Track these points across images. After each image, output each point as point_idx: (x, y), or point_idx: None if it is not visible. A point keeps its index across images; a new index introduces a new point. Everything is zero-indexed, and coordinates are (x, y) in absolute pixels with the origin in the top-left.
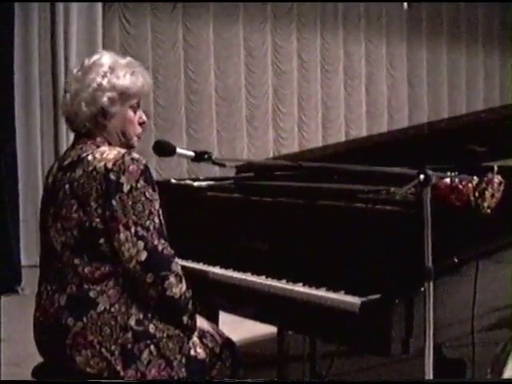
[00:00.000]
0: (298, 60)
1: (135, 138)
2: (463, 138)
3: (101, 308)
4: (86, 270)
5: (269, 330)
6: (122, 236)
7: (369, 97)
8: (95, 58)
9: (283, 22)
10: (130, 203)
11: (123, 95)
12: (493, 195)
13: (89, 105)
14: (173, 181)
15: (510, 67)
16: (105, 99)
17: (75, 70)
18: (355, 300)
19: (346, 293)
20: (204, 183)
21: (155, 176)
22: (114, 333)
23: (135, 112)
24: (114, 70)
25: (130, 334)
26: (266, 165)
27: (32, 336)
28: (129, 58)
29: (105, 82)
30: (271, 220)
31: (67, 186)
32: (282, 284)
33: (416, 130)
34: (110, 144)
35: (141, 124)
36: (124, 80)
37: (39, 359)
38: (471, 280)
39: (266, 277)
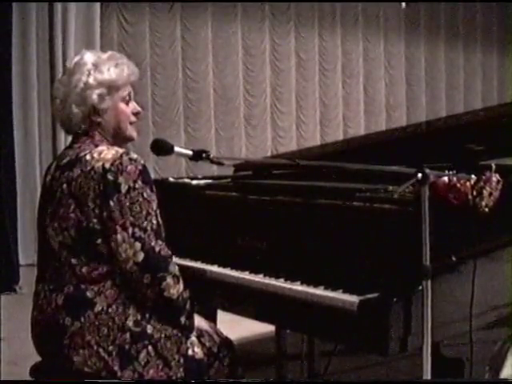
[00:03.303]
0: (296, 58)
1: (130, 128)
2: (461, 136)
3: (98, 308)
4: (83, 270)
5: (267, 328)
6: (119, 237)
7: (367, 95)
8: (77, 58)
9: (281, 20)
10: (127, 204)
11: (111, 89)
12: (491, 194)
13: (79, 106)
14: (171, 179)
15: (508, 66)
16: (94, 97)
17: (60, 75)
18: (353, 299)
19: (344, 291)
20: (202, 182)
21: (153, 175)
22: (112, 333)
23: (127, 104)
24: (98, 66)
25: (127, 335)
26: (263, 163)
27: (30, 335)
28: (110, 52)
29: (91, 80)
30: (269, 219)
31: (65, 186)
32: (280, 283)
33: (414, 129)
34: (107, 140)
35: (135, 114)
36: (109, 74)
37: (37, 358)
38: (469, 279)
39: (264, 275)
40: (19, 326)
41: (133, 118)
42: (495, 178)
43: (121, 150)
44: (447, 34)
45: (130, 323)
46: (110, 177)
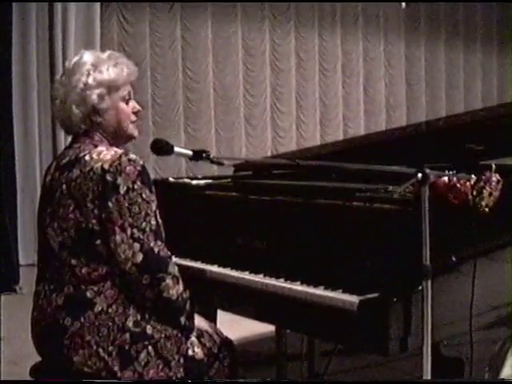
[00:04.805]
0: (296, 58)
1: (131, 127)
2: (461, 136)
3: (98, 308)
4: (83, 271)
5: (267, 328)
6: (117, 238)
7: (367, 95)
8: (76, 59)
9: (281, 20)
10: (126, 205)
11: (111, 89)
12: (491, 194)
13: (79, 106)
14: (171, 179)
15: (508, 66)
16: (94, 97)
17: (59, 76)
18: (353, 299)
19: (344, 291)
20: (202, 182)
21: (153, 175)
22: (112, 333)
23: (127, 103)
24: (97, 66)
25: (127, 335)
26: (263, 163)
27: (30, 335)
28: (109, 52)
29: (90, 80)
30: (269, 218)
31: (64, 186)
32: (280, 283)
33: (414, 129)
34: (107, 140)
35: (135, 113)
36: (108, 73)
37: (37, 358)
38: (469, 278)
39: (264, 275)
40: (19, 326)
41: (133, 117)
42: (495, 177)
43: (120, 151)
44: (447, 34)
45: (129, 323)
46: (108, 178)
